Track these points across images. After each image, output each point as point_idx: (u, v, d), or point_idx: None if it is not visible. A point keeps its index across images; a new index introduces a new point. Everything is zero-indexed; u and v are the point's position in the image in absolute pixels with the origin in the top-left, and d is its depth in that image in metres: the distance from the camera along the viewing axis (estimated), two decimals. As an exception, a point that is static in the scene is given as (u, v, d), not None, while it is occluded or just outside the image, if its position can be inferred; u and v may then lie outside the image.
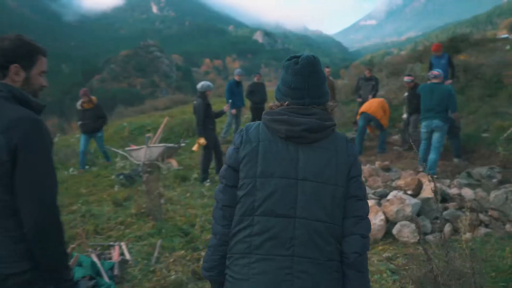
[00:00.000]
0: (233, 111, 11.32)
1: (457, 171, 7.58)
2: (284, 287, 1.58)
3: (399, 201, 4.80)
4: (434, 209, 4.88)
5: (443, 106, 7.19)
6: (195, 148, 7.78)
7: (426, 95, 7.32)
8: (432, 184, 5.39)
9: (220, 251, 1.76)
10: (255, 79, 12.25)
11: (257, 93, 12.04)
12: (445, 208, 4.99)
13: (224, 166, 1.82)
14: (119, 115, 23.55)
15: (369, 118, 9.61)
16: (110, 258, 4.29)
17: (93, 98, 9.61)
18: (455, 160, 9.00)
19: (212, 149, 7.77)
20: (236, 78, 11.98)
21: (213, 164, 8.30)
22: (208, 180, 7.67)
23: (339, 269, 1.68)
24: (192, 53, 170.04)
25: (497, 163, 8.22)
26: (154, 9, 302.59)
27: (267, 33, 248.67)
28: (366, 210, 1.75)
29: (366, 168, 7.10)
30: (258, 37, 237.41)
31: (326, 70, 11.24)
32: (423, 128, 7.47)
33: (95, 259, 4.00)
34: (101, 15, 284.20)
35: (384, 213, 4.86)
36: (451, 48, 24.61)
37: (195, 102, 7.71)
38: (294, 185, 1.64)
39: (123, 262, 4.23)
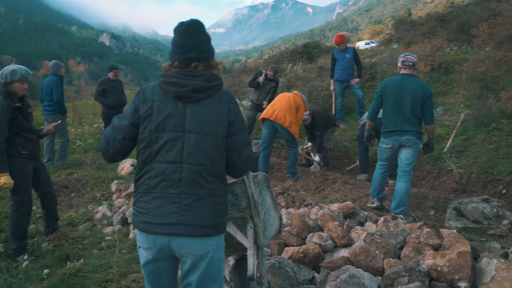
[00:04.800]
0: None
1: (426, 204, 5.26)
2: (173, 218, 1.90)
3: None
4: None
5: (419, 112, 4.75)
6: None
7: (395, 93, 4.79)
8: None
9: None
10: (110, 76, 8.61)
11: (112, 93, 8.48)
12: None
13: (123, 122, 2.03)
14: None
15: (274, 127, 6.80)
16: None
17: None
18: (362, 176, 6.92)
19: (29, 197, 4.15)
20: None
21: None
22: (25, 256, 4.01)
23: (221, 202, 1.99)
24: (28, 54, 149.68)
25: (452, 185, 6.22)
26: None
27: (114, 36, 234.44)
28: (246, 157, 2.10)
29: (312, 212, 4.28)
30: (105, 39, 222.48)
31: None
32: (386, 143, 4.94)
33: None
34: None
35: None
36: (305, 53, 24.19)
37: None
38: (181, 137, 1.94)
39: None
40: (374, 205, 5.19)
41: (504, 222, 4.29)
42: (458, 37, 18.05)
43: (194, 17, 2.07)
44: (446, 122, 7.89)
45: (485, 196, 4.75)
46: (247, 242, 2.49)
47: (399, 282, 2.61)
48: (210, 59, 2.06)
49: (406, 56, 4.86)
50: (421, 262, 2.76)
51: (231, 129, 2.01)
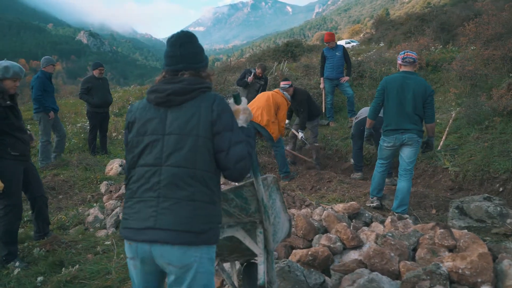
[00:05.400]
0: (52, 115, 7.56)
1: (427, 203, 5.21)
2: (150, 222, 1.83)
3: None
4: None
5: (421, 110, 4.69)
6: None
7: (397, 91, 4.70)
8: None
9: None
10: (95, 73, 8.36)
11: (97, 91, 8.24)
12: None
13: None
14: None
15: (253, 126, 6.60)
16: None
17: None
18: (356, 175, 6.89)
19: (19, 200, 3.93)
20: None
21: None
22: (16, 262, 3.78)
23: (203, 208, 1.87)
24: (3, 52, 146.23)
25: (448, 183, 6.21)
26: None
27: (92, 34, 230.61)
28: (235, 157, 1.93)
29: (316, 213, 4.18)
30: (82, 37, 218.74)
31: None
32: (387, 142, 4.86)
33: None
34: None
35: None
36: (287, 52, 24.15)
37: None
38: (161, 139, 1.91)
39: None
40: (374, 204, 5.13)
41: (508, 220, 4.26)
42: (439, 36, 18.31)
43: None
44: (438, 120, 7.89)
45: (486, 195, 4.71)
46: (257, 248, 2.36)
47: (420, 286, 2.52)
48: (200, 69, 2.05)
49: (406, 53, 4.78)
50: (441, 265, 2.67)
51: (214, 128, 1.91)
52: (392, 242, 3.09)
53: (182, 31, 2.09)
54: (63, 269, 3.69)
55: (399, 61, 4.84)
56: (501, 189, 5.59)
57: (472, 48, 10.46)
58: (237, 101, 2.09)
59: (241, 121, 2.07)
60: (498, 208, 4.33)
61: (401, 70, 4.82)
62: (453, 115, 7.64)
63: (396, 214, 4.66)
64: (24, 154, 3.92)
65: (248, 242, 2.36)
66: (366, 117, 6.54)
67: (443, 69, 10.18)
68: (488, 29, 9.44)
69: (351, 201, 5.40)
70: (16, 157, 3.82)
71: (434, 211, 5.00)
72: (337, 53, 9.13)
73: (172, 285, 1.89)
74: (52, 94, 7.60)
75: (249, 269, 2.80)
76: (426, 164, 6.70)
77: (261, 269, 2.29)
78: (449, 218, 4.56)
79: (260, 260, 2.33)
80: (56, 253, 4.02)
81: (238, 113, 2.07)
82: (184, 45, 2.03)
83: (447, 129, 7.23)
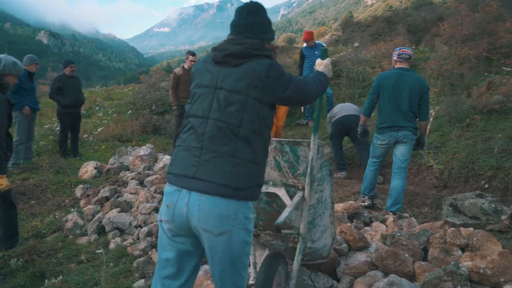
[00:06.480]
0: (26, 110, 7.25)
1: (418, 201, 5.16)
2: (191, 170, 1.88)
3: None
4: None
5: (416, 107, 4.62)
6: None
7: (392, 88, 4.61)
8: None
9: None
10: (66, 71, 7.94)
11: (69, 91, 7.83)
12: None
13: None
14: None
15: None
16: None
17: None
18: (340, 174, 6.78)
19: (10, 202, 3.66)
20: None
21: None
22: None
23: (244, 165, 1.86)
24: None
25: (432, 181, 6.22)
26: None
27: (53, 34, 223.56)
28: (312, 94, 2.08)
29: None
30: (43, 37, 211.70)
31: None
32: (381, 139, 4.77)
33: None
34: None
35: None
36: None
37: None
38: (212, 93, 1.94)
39: None
40: (366, 203, 5.03)
41: (503, 217, 4.24)
42: (406, 38, 18.69)
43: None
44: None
45: (479, 192, 4.70)
46: (288, 201, 2.41)
47: (443, 288, 2.40)
48: (265, 41, 2.04)
49: (401, 50, 4.72)
50: (460, 265, 2.57)
51: (284, 94, 1.94)
52: (404, 242, 2.97)
53: (251, 1, 2.07)
54: (46, 281, 3.38)
55: (395, 58, 4.77)
56: (486, 185, 5.61)
57: (444, 48, 10.63)
58: (323, 56, 2.33)
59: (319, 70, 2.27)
60: (493, 205, 4.29)
61: (396, 66, 4.74)
62: (433, 114, 7.70)
63: (390, 213, 4.59)
64: (11, 155, 3.67)
65: (285, 198, 2.42)
66: (343, 116, 6.50)
67: (419, 69, 10.30)
68: (462, 29, 9.61)
69: (340, 200, 5.31)
70: (8, 158, 3.59)
71: (427, 209, 4.95)
72: (316, 52, 9.04)
73: (207, 253, 1.91)
74: (31, 92, 7.35)
75: (270, 260, 2.55)
76: (410, 162, 6.68)
77: (285, 212, 2.33)
78: (444, 216, 4.50)
79: (287, 210, 2.36)
80: (36, 263, 3.69)
81: (320, 65, 2.27)
82: (251, 14, 2.02)
83: (428, 126, 7.26)
